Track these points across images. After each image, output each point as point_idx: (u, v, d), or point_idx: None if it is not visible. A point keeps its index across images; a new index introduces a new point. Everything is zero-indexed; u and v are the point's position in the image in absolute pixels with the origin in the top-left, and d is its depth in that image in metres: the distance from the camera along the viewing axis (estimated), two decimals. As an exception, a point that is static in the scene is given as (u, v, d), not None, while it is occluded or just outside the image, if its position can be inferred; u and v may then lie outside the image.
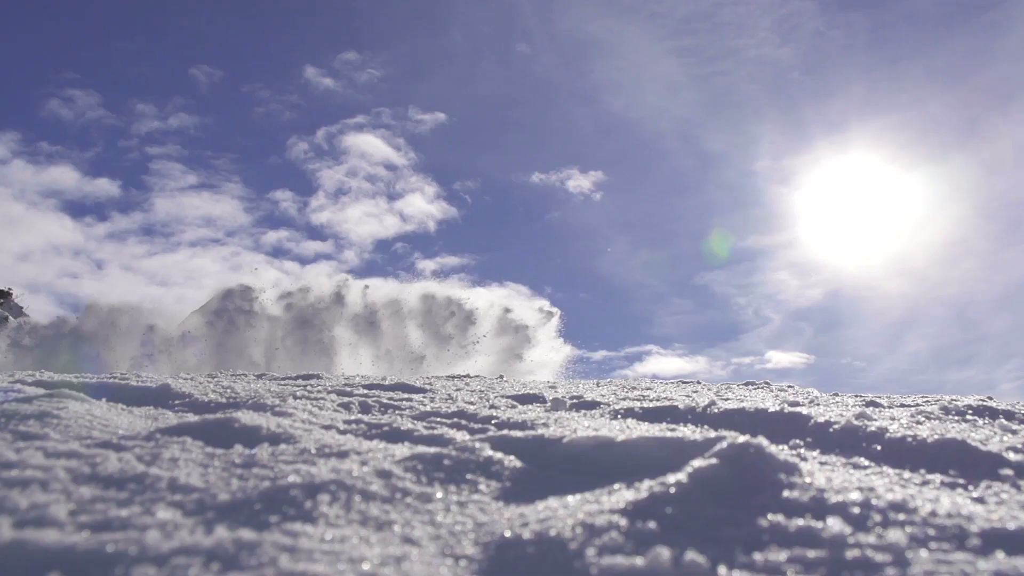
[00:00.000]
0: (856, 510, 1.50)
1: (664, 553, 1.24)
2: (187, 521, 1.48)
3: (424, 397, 4.99)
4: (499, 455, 2.10)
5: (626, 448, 2.07)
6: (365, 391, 5.21)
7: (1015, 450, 2.33)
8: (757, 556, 1.30)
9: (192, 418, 2.84)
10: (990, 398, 5.45)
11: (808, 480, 1.65)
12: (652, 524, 1.44)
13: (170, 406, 4.03)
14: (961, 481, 2.06)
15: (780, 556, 1.29)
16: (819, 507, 1.52)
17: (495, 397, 5.28)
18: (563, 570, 1.26)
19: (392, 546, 1.38)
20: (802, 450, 2.66)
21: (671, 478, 1.64)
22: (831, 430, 2.90)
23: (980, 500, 1.82)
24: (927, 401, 5.23)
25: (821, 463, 2.36)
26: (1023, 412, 4.03)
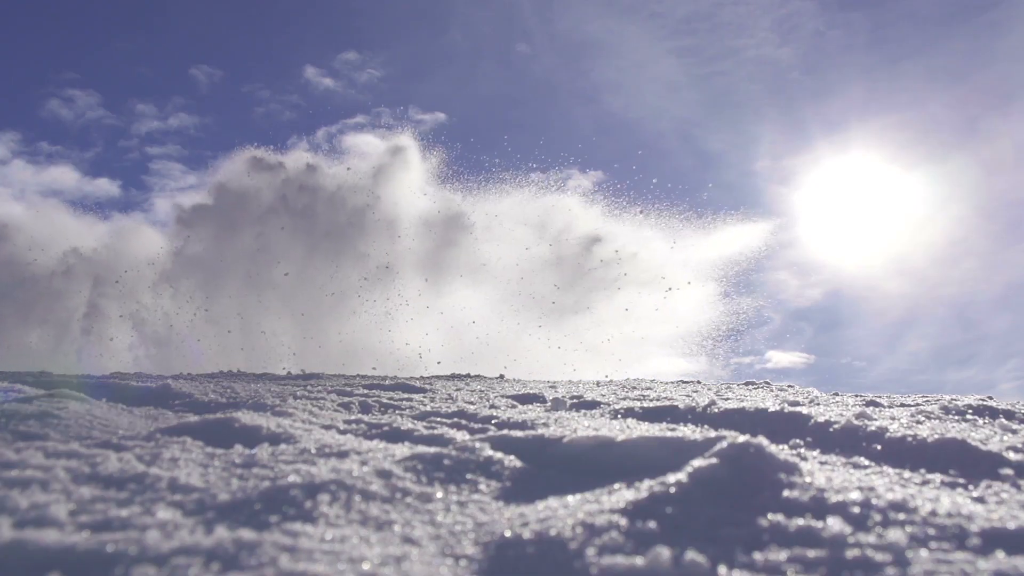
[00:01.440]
0: (856, 510, 1.50)
1: (664, 553, 1.24)
2: (187, 521, 1.48)
3: (424, 397, 5.00)
4: (499, 455, 2.10)
5: (626, 448, 2.07)
6: (365, 391, 5.21)
7: (1015, 450, 2.33)
8: (757, 556, 1.30)
9: (192, 418, 2.85)
10: (990, 398, 5.45)
11: (808, 480, 1.65)
12: (652, 524, 1.43)
13: (170, 406, 4.04)
14: (961, 481, 2.06)
15: (780, 556, 1.29)
16: (819, 507, 1.52)
17: (495, 397, 5.28)
18: (563, 570, 1.26)
19: (392, 546, 1.38)
20: (802, 450, 2.66)
21: (671, 478, 1.64)
22: (831, 430, 2.90)
23: (980, 500, 1.82)
24: (927, 401, 5.24)
25: (821, 463, 2.36)
26: (1023, 412, 4.03)
